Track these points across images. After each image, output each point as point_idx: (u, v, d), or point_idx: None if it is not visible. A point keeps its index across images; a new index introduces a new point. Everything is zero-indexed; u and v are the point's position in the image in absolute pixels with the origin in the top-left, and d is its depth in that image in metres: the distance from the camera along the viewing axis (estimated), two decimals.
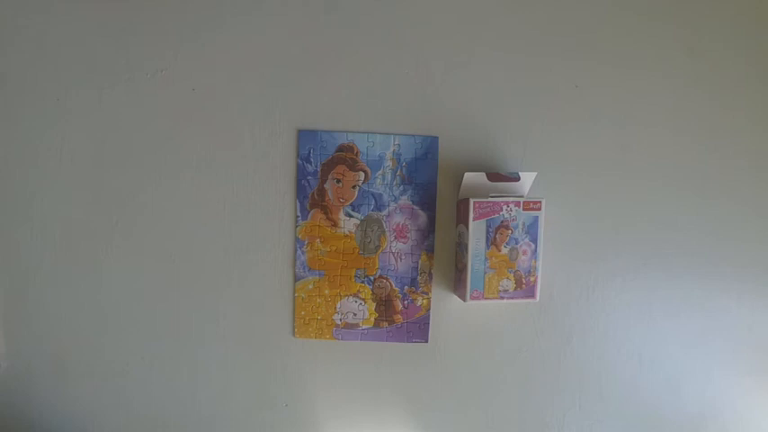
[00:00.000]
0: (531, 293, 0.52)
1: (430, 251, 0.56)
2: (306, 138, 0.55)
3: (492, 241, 0.50)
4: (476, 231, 0.50)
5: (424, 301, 0.57)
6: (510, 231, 0.51)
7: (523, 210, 0.50)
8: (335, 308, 0.57)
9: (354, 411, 0.58)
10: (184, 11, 0.54)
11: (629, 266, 0.57)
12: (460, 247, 0.54)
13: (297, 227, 0.56)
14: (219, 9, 0.54)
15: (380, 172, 0.56)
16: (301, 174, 0.55)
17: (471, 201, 0.50)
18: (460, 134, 0.56)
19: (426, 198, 0.56)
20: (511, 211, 0.50)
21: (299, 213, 0.56)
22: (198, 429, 0.58)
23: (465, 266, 0.51)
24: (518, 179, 0.52)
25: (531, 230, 0.51)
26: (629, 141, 0.56)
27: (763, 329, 0.58)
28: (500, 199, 0.50)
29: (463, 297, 0.52)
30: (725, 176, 0.57)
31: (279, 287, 0.56)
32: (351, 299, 0.57)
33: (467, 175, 0.52)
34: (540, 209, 0.51)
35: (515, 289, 0.51)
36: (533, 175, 0.52)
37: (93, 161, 0.55)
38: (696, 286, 0.57)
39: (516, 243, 0.51)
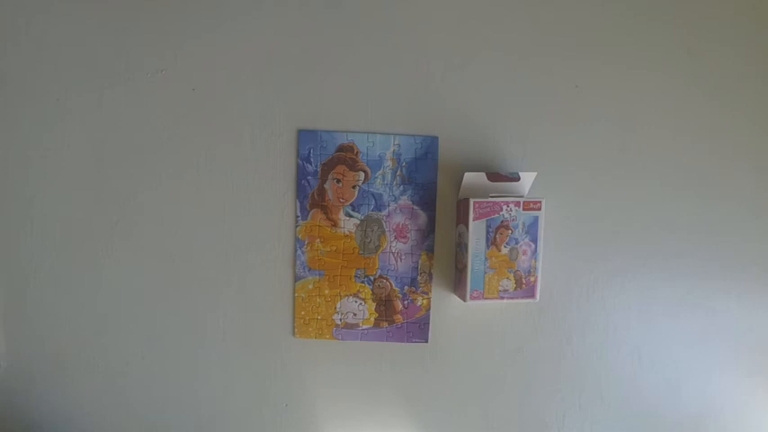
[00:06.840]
0: (531, 293, 0.52)
1: (430, 251, 0.56)
2: (306, 138, 0.55)
3: (492, 241, 0.50)
4: (476, 231, 0.50)
5: (424, 301, 0.57)
6: (510, 231, 0.51)
7: (523, 210, 0.50)
8: (335, 308, 0.57)
9: (354, 411, 0.58)
10: (184, 11, 0.54)
11: (629, 266, 0.57)
12: (460, 247, 0.54)
13: (297, 227, 0.56)
14: (219, 9, 0.54)
15: (380, 172, 0.56)
16: (301, 174, 0.55)
17: (471, 201, 0.50)
18: (460, 134, 0.56)
19: (426, 198, 0.56)
20: (511, 211, 0.50)
21: (299, 213, 0.56)
22: (198, 429, 0.58)
23: (465, 266, 0.51)
24: (518, 179, 0.52)
25: (531, 230, 0.51)
26: (629, 141, 0.56)
27: (763, 330, 0.58)
28: (500, 199, 0.50)
29: (463, 297, 0.52)
30: (725, 176, 0.57)
31: (279, 287, 0.56)
32: (351, 299, 0.57)
33: (467, 175, 0.52)
34: (540, 209, 0.51)
35: (515, 289, 0.51)
36: (533, 175, 0.52)
37: (94, 161, 0.55)
38: (696, 286, 0.57)
39: (516, 243, 0.51)
